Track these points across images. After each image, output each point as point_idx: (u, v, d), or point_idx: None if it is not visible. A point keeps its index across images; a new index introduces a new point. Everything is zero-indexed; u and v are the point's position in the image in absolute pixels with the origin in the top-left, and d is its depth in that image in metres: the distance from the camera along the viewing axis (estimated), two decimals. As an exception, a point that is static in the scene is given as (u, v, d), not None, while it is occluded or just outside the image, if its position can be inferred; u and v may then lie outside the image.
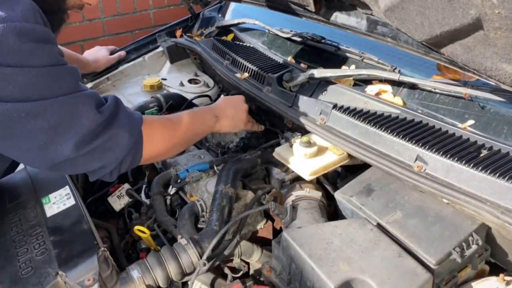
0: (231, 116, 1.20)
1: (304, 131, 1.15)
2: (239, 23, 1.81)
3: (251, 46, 1.64)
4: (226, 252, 1.02)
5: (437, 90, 1.06)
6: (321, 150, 1.07)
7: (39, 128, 0.77)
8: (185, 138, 1.09)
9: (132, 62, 1.95)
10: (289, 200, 1.05)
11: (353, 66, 1.29)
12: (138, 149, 0.92)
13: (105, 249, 0.89)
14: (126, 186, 1.30)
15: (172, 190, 1.22)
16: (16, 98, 0.74)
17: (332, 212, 1.06)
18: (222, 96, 1.35)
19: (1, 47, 0.70)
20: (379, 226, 0.86)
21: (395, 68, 1.19)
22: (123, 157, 0.89)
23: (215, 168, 1.22)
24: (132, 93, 1.74)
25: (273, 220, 1.19)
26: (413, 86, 1.12)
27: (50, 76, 0.77)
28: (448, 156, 0.86)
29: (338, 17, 1.12)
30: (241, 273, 1.09)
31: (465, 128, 0.96)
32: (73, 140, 0.80)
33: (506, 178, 0.78)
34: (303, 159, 1.04)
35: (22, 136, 0.77)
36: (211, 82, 1.82)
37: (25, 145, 0.79)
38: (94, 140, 0.82)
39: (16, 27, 0.71)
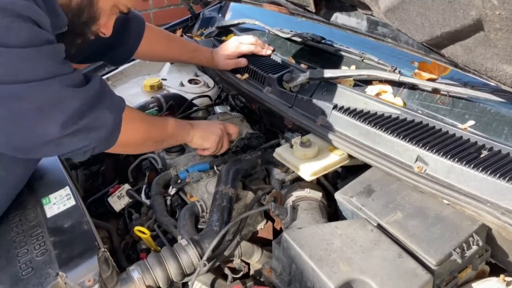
0: (204, 128, 1.20)
1: (304, 132, 1.15)
2: (239, 23, 1.81)
3: (251, 46, 1.64)
4: (227, 253, 1.02)
5: (441, 91, 1.06)
6: (321, 151, 1.07)
7: (24, 111, 0.76)
8: (161, 136, 1.10)
9: (132, 62, 1.94)
10: (289, 201, 1.05)
11: (353, 67, 1.29)
12: (117, 133, 0.91)
13: (105, 249, 0.89)
14: (126, 186, 1.30)
15: (172, 191, 1.22)
16: None
17: (332, 212, 1.06)
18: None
19: None
20: (379, 226, 0.86)
21: (396, 69, 1.19)
22: (105, 137, 0.89)
23: (215, 168, 1.22)
24: (132, 93, 1.74)
25: (273, 221, 1.19)
26: (413, 87, 1.12)
27: (33, 59, 0.76)
28: (449, 156, 0.86)
29: (338, 17, 1.12)
30: (241, 273, 1.09)
31: (466, 129, 0.96)
32: (59, 120, 0.79)
33: (507, 179, 0.78)
34: (303, 159, 1.04)
35: (7, 119, 0.76)
36: (211, 83, 1.82)
37: (10, 128, 0.78)
38: (80, 120, 0.82)
39: None
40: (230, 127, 1.27)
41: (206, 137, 1.19)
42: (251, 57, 1.49)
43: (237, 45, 1.49)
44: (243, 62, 1.46)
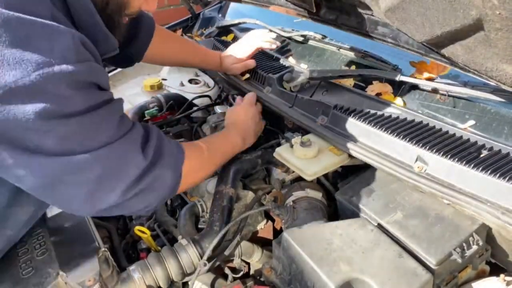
0: (253, 132, 1.22)
1: (304, 131, 1.15)
2: (239, 23, 1.81)
3: (251, 46, 1.64)
4: (227, 253, 1.02)
5: (441, 91, 1.06)
6: (321, 151, 1.07)
7: (84, 180, 0.72)
8: (217, 165, 1.09)
9: (132, 62, 1.94)
10: (290, 201, 1.05)
11: (353, 67, 1.29)
12: (177, 187, 0.89)
13: (106, 249, 0.89)
14: (127, 186, 1.30)
15: (172, 190, 1.22)
16: (57, 152, 0.67)
17: (332, 212, 1.06)
18: (234, 109, 1.28)
19: (40, 97, 0.63)
20: (379, 226, 0.86)
21: (396, 69, 1.19)
22: (166, 195, 0.87)
23: (216, 168, 1.22)
24: (132, 93, 1.74)
25: (273, 221, 1.19)
26: (413, 87, 1.12)
27: (92, 124, 0.71)
28: (449, 156, 0.86)
29: (339, 17, 1.12)
30: (241, 273, 1.09)
31: (466, 129, 0.96)
32: (120, 188, 0.76)
33: (507, 178, 0.78)
34: (303, 159, 1.04)
35: (66, 188, 0.72)
36: (211, 82, 1.82)
37: (68, 196, 0.74)
38: (139, 184, 0.79)
39: (54, 73, 0.63)
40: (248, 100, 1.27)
41: (256, 138, 1.24)
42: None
43: (246, 50, 1.43)
44: (251, 64, 1.42)
